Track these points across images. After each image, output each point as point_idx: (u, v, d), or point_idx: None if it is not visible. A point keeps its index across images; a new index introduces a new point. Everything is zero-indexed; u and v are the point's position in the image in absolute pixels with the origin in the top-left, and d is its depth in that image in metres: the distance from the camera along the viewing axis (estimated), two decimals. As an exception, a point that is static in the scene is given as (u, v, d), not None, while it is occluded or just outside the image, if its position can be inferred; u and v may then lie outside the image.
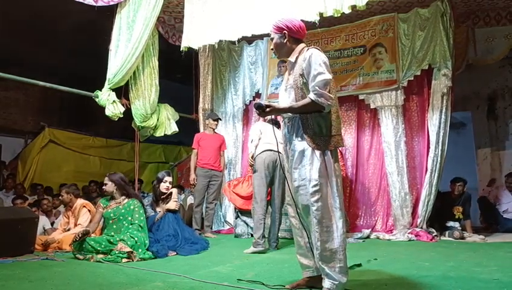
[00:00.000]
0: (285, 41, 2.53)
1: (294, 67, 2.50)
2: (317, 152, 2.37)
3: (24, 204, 5.42)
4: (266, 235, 4.41)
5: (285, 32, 2.51)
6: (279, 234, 4.43)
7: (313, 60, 2.38)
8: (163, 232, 4.22)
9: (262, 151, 4.36)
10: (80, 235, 3.77)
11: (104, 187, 4.20)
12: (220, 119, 6.05)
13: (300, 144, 2.41)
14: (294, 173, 2.44)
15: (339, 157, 5.30)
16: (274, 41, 2.57)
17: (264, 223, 4.27)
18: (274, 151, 4.24)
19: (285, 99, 2.53)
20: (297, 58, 2.49)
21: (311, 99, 2.33)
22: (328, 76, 2.36)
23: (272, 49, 2.63)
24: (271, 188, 4.46)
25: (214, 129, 5.79)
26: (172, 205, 4.44)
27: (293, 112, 2.44)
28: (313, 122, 2.39)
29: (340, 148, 5.69)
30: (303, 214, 2.45)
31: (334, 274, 2.31)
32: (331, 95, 2.34)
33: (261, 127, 4.53)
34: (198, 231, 5.40)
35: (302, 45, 2.54)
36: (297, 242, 2.58)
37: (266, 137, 4.39)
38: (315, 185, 2.33)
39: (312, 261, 2.51)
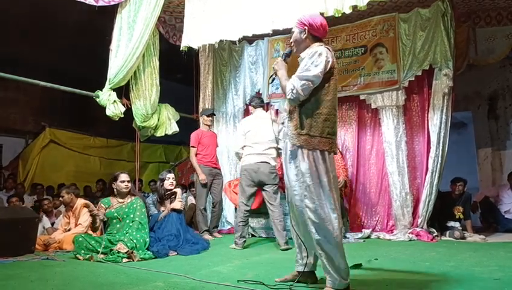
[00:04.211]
0: (304, 37, 2.54)
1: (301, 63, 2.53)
2: (305, 152, 2.38)
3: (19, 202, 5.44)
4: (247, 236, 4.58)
5: (305, 28, 2.53)
6: (285, 233, 4.34)
7: (311, 57, 2.41)
8: (166, 231, 4.23)
9: (244, 162, 4.45)
10: (98, 215, 3.93)
11: (127, 184, 4.13)
12: (214, 114, 5.95)
13: (291, 144, 2.45)
14: (287, 173, 2.49)
15: (340, 157, 5.30)
16: (294, 35, 2.60)
17: (244, 225, 4.37)
18: (253, 163, 4.34)
19: None
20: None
21: (287, 84, 2.41)
22: (312, 74, 2.35)
23: (291, 42, 2.64)
24: (263, 196, 4.50)
25: (209, 126, 5.67)
26: (177, 204, 4.45)
27: (280, 82, 2.53)
28: (298, 119, 2.42)
29: (340, 149, 5.66)
30: (294, 213, 2.49)
31: (334, 273, 2.33)
32: (301, 93, 2.36)
33: (248, 125, 4.57)
34: (208, 232, 5.28)
35: (317, 44, 2.54)
36: (294, 239, 2.66)
37: (250, 140, 4.45)
38: (306, 187, 2.36)
39: (300, 255, 2.61)
